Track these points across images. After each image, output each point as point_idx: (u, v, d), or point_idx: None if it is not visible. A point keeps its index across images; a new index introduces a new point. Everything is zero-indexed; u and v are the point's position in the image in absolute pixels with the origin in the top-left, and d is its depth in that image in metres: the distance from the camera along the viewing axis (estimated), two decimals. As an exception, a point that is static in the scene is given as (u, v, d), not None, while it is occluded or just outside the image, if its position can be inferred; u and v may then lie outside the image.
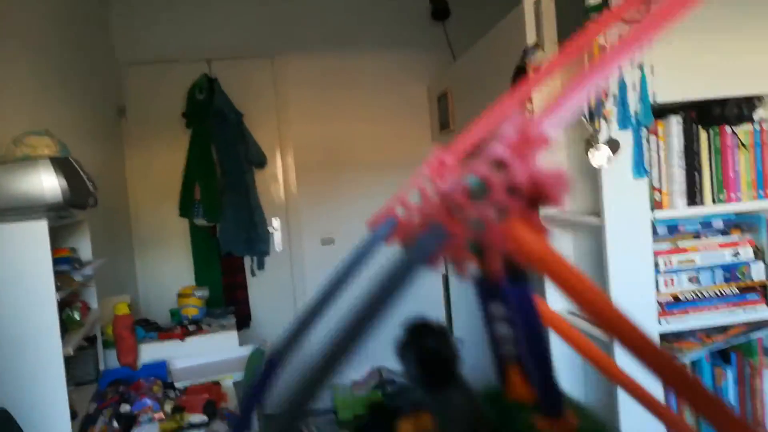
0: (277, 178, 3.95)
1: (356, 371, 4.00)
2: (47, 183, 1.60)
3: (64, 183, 1.62)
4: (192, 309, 3.00)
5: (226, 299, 3.69)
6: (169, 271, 3.72)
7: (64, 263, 1.98)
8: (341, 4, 3.90)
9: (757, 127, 1.87)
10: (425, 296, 4.07)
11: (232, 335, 2.83)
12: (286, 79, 3.88)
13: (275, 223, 3.92)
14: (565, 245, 2.23)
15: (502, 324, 0.38)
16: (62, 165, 1.67)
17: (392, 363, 4.02)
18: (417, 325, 0.36)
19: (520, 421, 0.36)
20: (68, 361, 1.76)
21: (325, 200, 3.94)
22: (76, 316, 2.06)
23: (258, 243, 3.73)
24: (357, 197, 3.98)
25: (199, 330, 2.87)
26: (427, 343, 0.35)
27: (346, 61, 3.90)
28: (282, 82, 3.88)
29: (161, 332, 2.84)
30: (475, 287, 0.37)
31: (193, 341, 2.77)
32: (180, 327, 2.92)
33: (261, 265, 3.87)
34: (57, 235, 2.13)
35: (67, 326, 2.00)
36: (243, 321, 3.72)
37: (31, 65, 2.29)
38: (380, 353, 4.25)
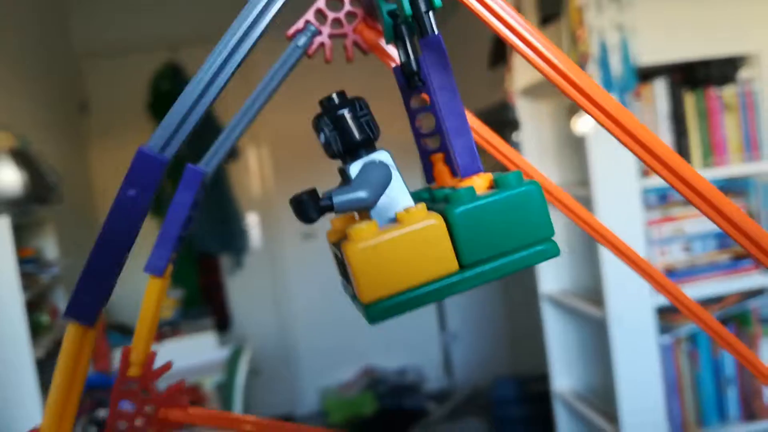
0: (252, 170, 3.97)
1: (345, 371, 4.03)
2: (7, 177, 1.61)
3: (25, 176, 1.63)
4: (166, 311, 3.01)
5: (204, 300, 3.71)
6: (142, 273, 3.71)
7: (28, 264, 1.99)
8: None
9: (742, 88, 1.92)
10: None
11: (211, 336, 2.85)
12: (258, 66, 3.88)
13: (251, 217, 3.94)
14: (555, 219, 2.28)
15: (424, 114, 0.42)
16: (22, 158, 1.68)
17: (383, 361, 4.07)
18: (330, 100, 0.41)
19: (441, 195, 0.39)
20: (40, 367, 1.78)
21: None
22: (45, 319, 2.07)
23: (234, 240, 3.75)
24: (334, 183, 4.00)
25: (175, 332, 2.89)
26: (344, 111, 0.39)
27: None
28: (254, 68, 3.89)
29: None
30: (398, 81, 0.42)
31: (169, 344, 2.79)
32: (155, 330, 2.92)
33: (239, 263, 3.89)
34: (21, 236, 2.13)
35: (36, 330, 2.01)
36: (223, 321, 3.74)
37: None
38: (369, 351, 4.29)
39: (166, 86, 3.68)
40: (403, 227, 0.34)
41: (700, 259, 1.96)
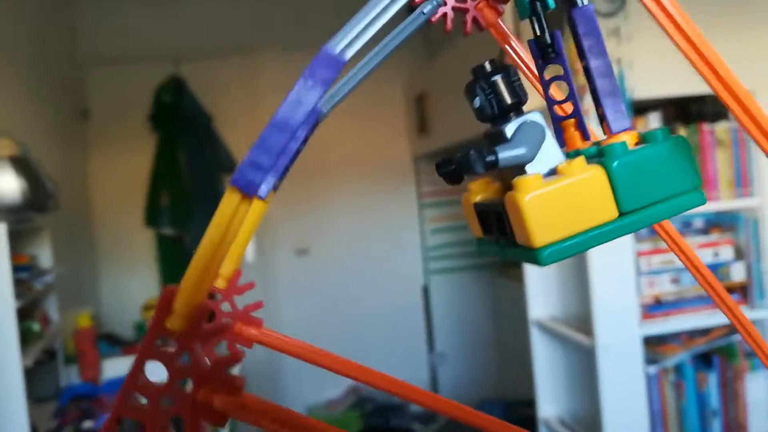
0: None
1: (332, 389, 4.00)
2: (5, 183, 1.60)
3: (24, 183, 1.62)
4: (158, 322, 2.99)
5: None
6: (133, 283, 3.70)
7: (22, 271, 1.98)
8: (311, 1, 3.95)
9: (734, 124, 1.95)
10: (404, 307, 4.10)
11: (202, 349, 2.83)
12: (258, 79, 3.90)
13: (247, 233, 3.93)
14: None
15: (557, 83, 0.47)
16: (21, 165, 1.68)
17: (370, 378, 4.04)
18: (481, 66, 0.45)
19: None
20: (28, 376, 1.76)
21: (298, 208, 3.96)
22: (36, 327, 2.05)
23: (228, 253, 3.73)
24: (332, 204, 4.01)
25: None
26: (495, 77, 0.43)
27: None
28: (255, 82, 3.91)
29: (126, 347, 2.82)
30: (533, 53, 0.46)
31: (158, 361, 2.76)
32: (146, 341, 2.90)
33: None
34: (15, 242, 2.12)
35: (26, 338, 1.99)
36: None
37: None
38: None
39: (168, 99, 3.68)
40: (567, 178, 0.37)
41: (689, 291, 1.97)
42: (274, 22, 3.92)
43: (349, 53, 0.38)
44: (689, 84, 1.90)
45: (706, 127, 1.95)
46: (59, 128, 3.18)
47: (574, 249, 0.38)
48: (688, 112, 1.96)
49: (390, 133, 4.11)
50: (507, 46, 0.51)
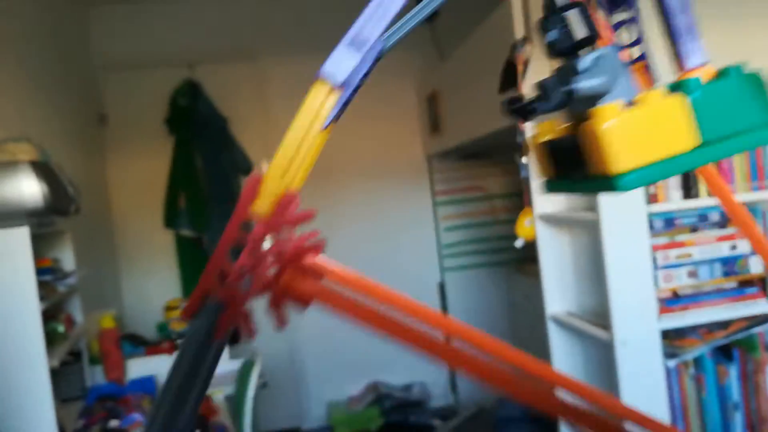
0: (265, 187, 3.98)
1: (352, 386, 4.01)
2: (27, 188, 1.62)
3: (45, 188, 1.64)
4: (180, 322, 3.01)
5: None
6: (154, 284, 3.74)
7: (46, 273, 2.00)
8: (325, 4, 3.95)
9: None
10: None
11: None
12: (271, 83, 3.92)
13: (264, 233, 3.95)
14: (562, 243, 2.27)
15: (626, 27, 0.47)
16: (43, 169, 1.69)
17: (388, 377, 4.04)
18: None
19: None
20: (54, 376, 1.78)
21: (314, 207, 3.95)
22: (61, 328, 2.08)
23: (247, 253, 3.75)
24: (346, 203, 4.01)
25: (187, 344, 2.88)
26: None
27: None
28: (267, 85, 3.92)
29: (148, 347, 2.85)
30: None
31: (181, 355, 2.78)
32: (167, 341, 2.93)
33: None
34: (38, 246, 2.14)
35: (51, 339, 2.01)
36: (234, 334, 3.73)
37: (10, 73, 2.32)
38: (376, 367, 4.26)
39: (184, 102, 3.71)
40: (646, 107, 0.37)
41: (706, 284, 1.95)
42: (283, 27, 3.93)
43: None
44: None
45: (721, 119, 1.92)
46: (78, 133, 3.21)
47: (652, 176, 0.38)
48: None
49: (403, 133, 4.10)
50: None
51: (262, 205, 0.35)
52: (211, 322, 0.39)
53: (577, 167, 0.41)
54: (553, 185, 0.47)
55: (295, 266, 0.35)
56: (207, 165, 3.68)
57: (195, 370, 0.37)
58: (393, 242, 4.08)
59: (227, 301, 0.37)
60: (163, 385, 0.39)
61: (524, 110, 0.42)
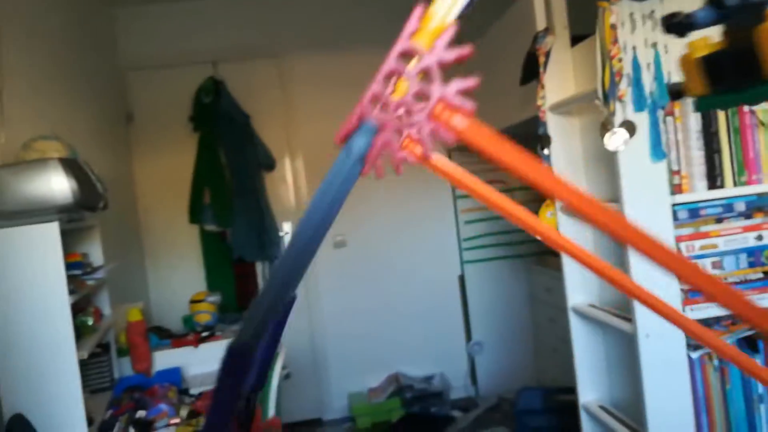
0: (287, 181, 3.99)
1: (373, 377, 4.01)
2: (57, 184, 1.64)
3: (74, 184, 1.65)
4: (205, 315, 3.04)
5: (239, 305, 3.73)
6: (180, 278, 3.77)
7: (75, 268, 2.02)
8: (347, 2, 3.94)
9: (777, 105, 1.87)
10: (441, 297, 4.08)
11: None
12: (293, 80, 3.92)
13: (286, 227, 3.95)
14: (584, 234, 2.24)
15: None
16: (72, 166, 1.71)
17: (409, 368, 4.03)
18: None
19: None
20: (83, 368, 1.80)
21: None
22: (90, 321, 2.10)
23: (270, 247, 3.76)
24: (368, 199, 4.00)
25: (212, 336, 2.90)
26: None
27: (353, 59, 3.93)
28: (289, 82, 3.92)
29: (174, 339, 2.88)
30: None
31: (206, 347, 2.80)
32: (193, 333, 2.95)
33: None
34: (68, 241, 2.17)
35: (80, 331, 2.04)
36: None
37: (39, 72, 2.34)
38: (397, 358, 4.25)
39: (208, 99, 3.73)
40: None
41: (731, 275, 1.90)
42: (305, 24, 3.92)
43: (255, 341, 0.38)
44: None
45: (745, 108, 1.87)
46: (105, 132, 3.24)
47: None
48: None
49: (423, 126, 4.07)
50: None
51: (424, 39, 0.35)
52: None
53: (747, 74, 0.40)
54: (706, 101, 0.47)
55: (449, 104, 0.36)
56: (230, 161, 3.69)
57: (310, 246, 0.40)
58: (414, 235, 4.06)
59: (382, 125, 0.37)
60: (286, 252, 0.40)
61: (682, 25, 0.41)
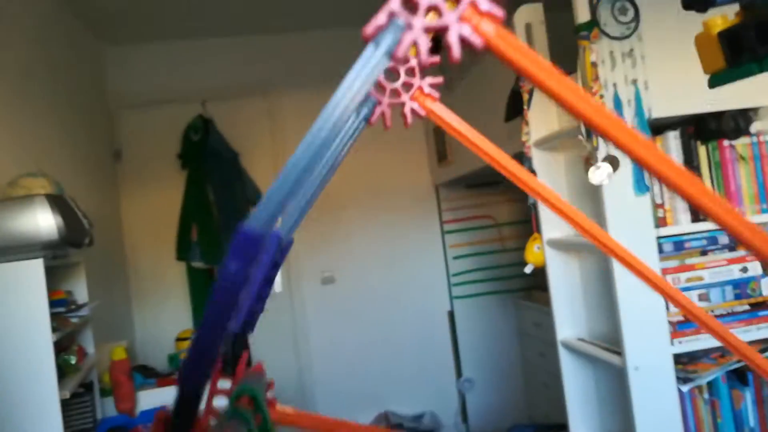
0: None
1: (362, 415, 3.94)
2: (43, 220, 1.62)
3: (60, 220, 1.64)
4: (191, 353, 2.98)
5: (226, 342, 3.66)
6: (166, 316, 3.71)
7: (59, 305, 1.99)
8: (332, 39, 4.00)
9: (755, 139, 1.90)
10: (431, 333, 4.04)
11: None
12: (282, 116, 3.95)
13: (274, 264, 3.93)
14: (571, 268, 2.24)
15: None
16: (58, 202, 1.70)
17: (399, 406, 3.97)
18: None
19: None
20: (65, 408, 1.75)
21: (323, 238, 3.95)
22: (73, 360, 2.06)
23: (257, 284, 3.72)
24: (356, 234, 4.00)
25: (199, 374, 2.84)
26: None
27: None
28: (278, 118, 3.95)
29: (160, 378, 2.82)
30: None
31: (192, 386, 2.74)
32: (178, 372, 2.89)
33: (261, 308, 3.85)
34: (52, 278, 2.14)
35: (63, 370, 1.99)
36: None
37: (26, 110, 2.34)
38: (386, 395, 4.18)
39: (197, 137, 3.74)
40: None
41: (718, 307, 1.91)
42: (294, 61, 3.97)
43: (268, 228, 0.38)
44: (705, 102, 1.87)
45: (725, 143, 1.90)
46: (93, 169, 3.23)
47: None
48: (707, 129, 1.92)
49: (411, 163, 4.11)
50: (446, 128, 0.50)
51: None
52: None
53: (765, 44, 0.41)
54: (719, 77, 0.48)
55: (478, 9, 0.37)
56: (218, 198, 3.68)
57: None
58: (403, 271, 4.05)
59: (410, 24, 0.38)
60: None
61: (703, 2, 0.42)
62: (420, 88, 0.44)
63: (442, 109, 0.48)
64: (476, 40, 0.38)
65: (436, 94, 0.46)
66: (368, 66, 0.39)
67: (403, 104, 0.48)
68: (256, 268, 0.43)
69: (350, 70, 0.40)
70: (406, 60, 0.45)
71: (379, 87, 0.47)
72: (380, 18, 0.39)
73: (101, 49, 3.72)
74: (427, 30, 0.40)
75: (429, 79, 0.46)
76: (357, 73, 0.40)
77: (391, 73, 0.48)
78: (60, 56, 2.86)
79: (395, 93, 0.48)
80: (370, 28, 0.38)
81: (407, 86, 0.48)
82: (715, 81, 0.50)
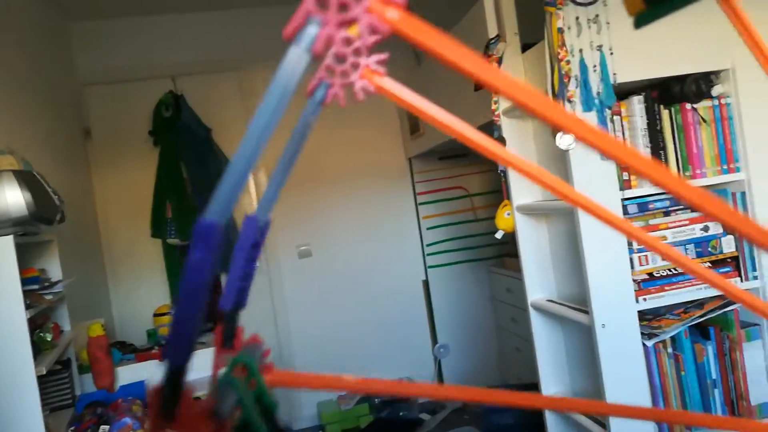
0: (250, 194, 3.94)
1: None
2: (11, 197, 1.58)
3: (29, 196, 1.59)
4: (166, 329, 2.96)
5: (206, 317, 3.64)
6: (143, 292, 3.67)
7: (32, 282, 1.95)
8: (304, 16, 3.93)
9: (716, 102, 1.92)
10: (407, 303, 4.07)
11: (213, 352, 2.79)
12: (255, 92, 3.88)
13: (250, 239, 3.90)
14: (540, 232, 2.26)
15: None
16: (26, 178, 1.65)
17: (377, 373, 4.00)
18: None
19: None
20: (42, 385, 1.73)
21: (299, 212, 3.93)
22: (48, 337, 2.02)
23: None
24: (332, 208, 3.98)
25: (177, 349, 2.82)
26: None
27: (315, 69, 3.92)
28: (251, 94, 3.89)
29: (138, 353, 2.79)
30: None
31: (172, 360, 2.72)
32: (158, 347, 2.87)
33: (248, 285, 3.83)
34: (25, 256, 2.09)
35: (39, 347, 1.96)
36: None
37: (-10, 86, 2.26)
38: (364, 364, 4.22)
39: (168, 113, 3.66)
40: None
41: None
42: (266, 37, 3.89)
43: (223, 218, 0.41)
44: (668, 66, 1.89)
45: (688, 106, 1.92)
46: (63, 148, 3.14)
47: None
48: (670, 93, 1.94)
49: (385, 137, 4.09)
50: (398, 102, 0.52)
51: None
52: None
53: None
54: (643, 17, 0.48)
55: None
56: (192, 174, 3.62)
57: None
58: (379, 242, 4.05)
59: (325, 21, 0.41)
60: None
61: None
62: (367, 66, 0.47)
63: (392, 83, 0.50)
64: (384, 28, 0.40)
65: (383, 70, 0.49)
66: (290, 64, 0.41)
67: (353, 84, 0.50)
68: (238, 250, 0.47)
69: (277, 72, 0.43)
70: (350, 41, 0.47)
71: (330, 71, 0.49)
72: (297, 18, 0.42)
73: (67, 24, 3.60)
74: (340, 24, 0.43)
75: (374, 57, 0.47)
76: (282, 72, 0.43)
77: (341, 59, 0.50)
78: (24, 32, 2.75)
79: (345, 74, 0.50)
80: (289, 29, 0.41)
81: (355, 66, 0.51)
82: (641, 21, 0.50)
